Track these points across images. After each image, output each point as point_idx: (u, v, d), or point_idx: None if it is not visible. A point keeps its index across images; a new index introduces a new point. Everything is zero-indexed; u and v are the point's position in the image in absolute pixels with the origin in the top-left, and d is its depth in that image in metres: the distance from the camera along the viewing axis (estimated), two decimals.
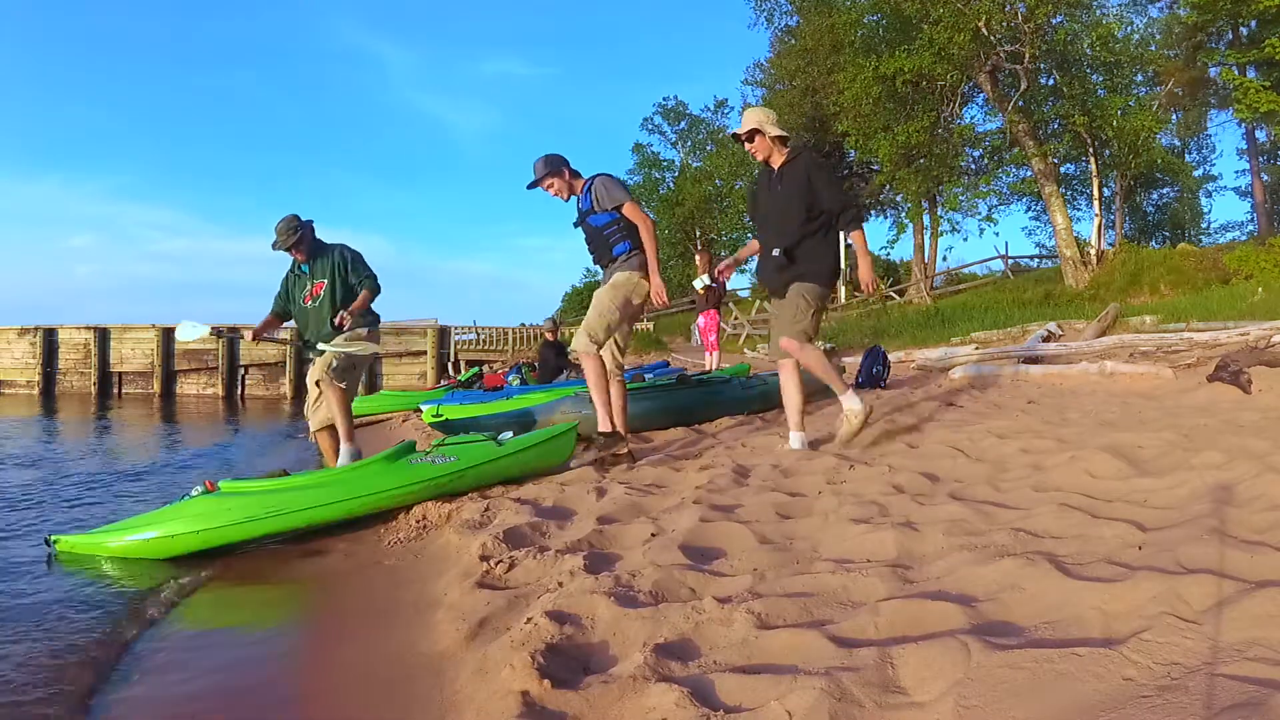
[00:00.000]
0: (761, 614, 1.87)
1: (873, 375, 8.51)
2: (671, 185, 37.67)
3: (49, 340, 20.68)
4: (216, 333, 4.87)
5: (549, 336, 11.04)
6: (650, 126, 39.17)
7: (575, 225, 4.39)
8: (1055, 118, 18.39)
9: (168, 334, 20.09)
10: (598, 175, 4.28)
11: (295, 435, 7.88)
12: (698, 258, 13.01)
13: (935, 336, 14.69)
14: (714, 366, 9.96)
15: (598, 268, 4.44)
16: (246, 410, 17.58)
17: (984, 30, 16.63)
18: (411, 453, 3.80)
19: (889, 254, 31.67)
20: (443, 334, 20.14)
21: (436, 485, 3.65)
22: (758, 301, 26.15)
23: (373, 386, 17.37)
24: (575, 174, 4.33)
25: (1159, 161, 22.90)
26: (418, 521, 3.51)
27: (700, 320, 11.33)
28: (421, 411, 8.80)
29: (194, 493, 3.60)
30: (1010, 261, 26.30)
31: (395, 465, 3.68)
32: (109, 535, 3.53)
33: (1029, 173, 19.31)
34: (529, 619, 1.98)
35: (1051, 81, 18.17)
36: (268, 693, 2.15)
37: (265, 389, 19.94)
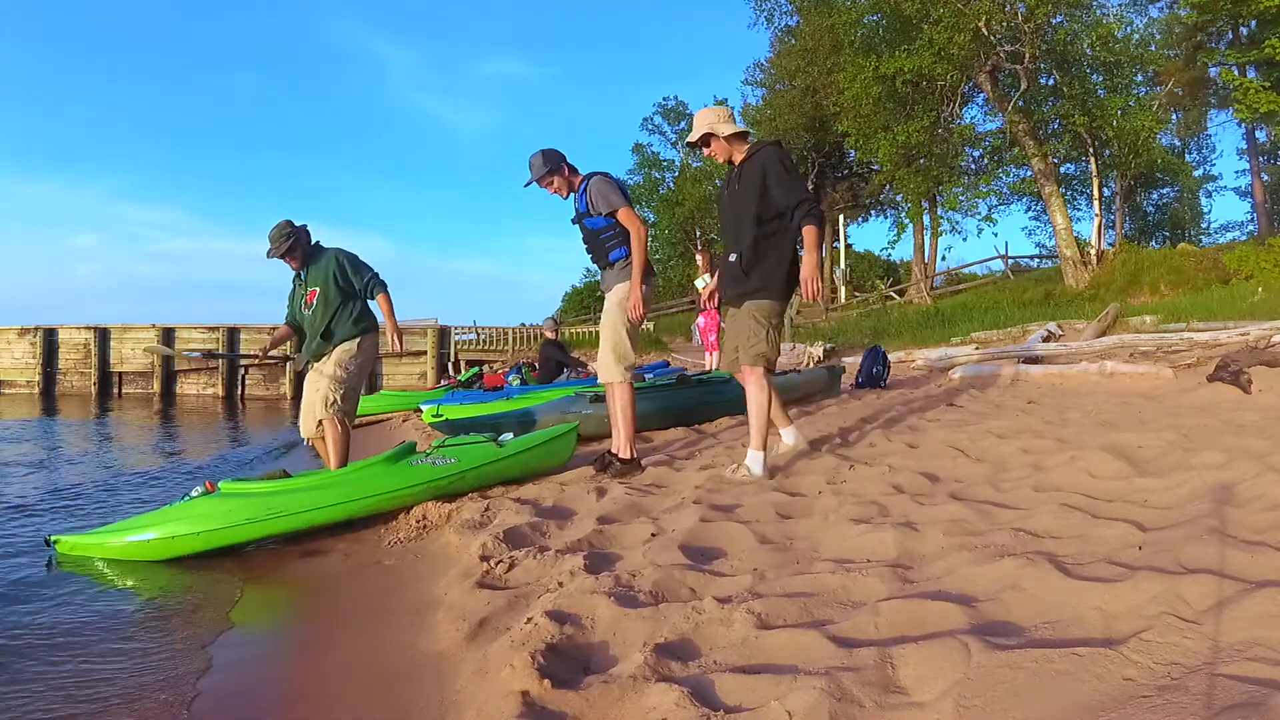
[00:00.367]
0: (761, 614, 1.87)
1: (873, 375, 8.51)
2: (671, 185, 37.67)
3: (49, 340, 20.68)
4: (209, 355, 4.73)
5: (550, 335, 11.04)
6: (650, 126, 39.23)
7: (573, 222, 4.26)
8: (1055, 118, 18.38)
9: (168, 334, 20.09)
10: (594, 175, 4.14)
11: (296, 443, 7.89)
12: (699, 257, 13.00)
13: (935, 336, 14.69)
14: (714, 366, 9.96)
15: (597, 267, 4.36)
16: (246, 410, 17.58)
17: (984, 30, 16.63)
18: (412, 454, 3.80)
19: (889, 254, 31.77)
20: (443, 334, 20.14)
21: (437, 487, 3.65)
22: None
23: (373, 386, 17.36)
24: (573, 170, 4.21)
25: (1159, 161, 22.92)
26: (418, 521, 3.51)
27: (700, 320, 11.32)
28: (421, 411, 8.80)
29: (194, 493, 3.60)
30: (1010, 261, 26.28)
31: (396, 467, 3.68)
32: (109, 536, 3.52)
33: (1029, 173, 19.30)
34: (529, 619, 1.98)
35: (1051, 81, 18.17)
36: (268, 692, 2.15)
37: (265, 389, 19.93)
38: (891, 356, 9.52)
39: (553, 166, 4.13)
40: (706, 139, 3.77)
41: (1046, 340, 10.89)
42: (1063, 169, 22.88)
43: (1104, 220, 20.19)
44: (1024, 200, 27.84)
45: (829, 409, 6.45)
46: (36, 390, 20.14)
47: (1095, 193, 20.17)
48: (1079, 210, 25.50)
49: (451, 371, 18.77)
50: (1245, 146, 28.83)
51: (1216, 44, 22.42)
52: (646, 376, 7.46)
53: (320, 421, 4.27)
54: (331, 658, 2.31)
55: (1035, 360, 8.92)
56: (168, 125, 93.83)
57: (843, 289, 28.14)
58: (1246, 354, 5.75)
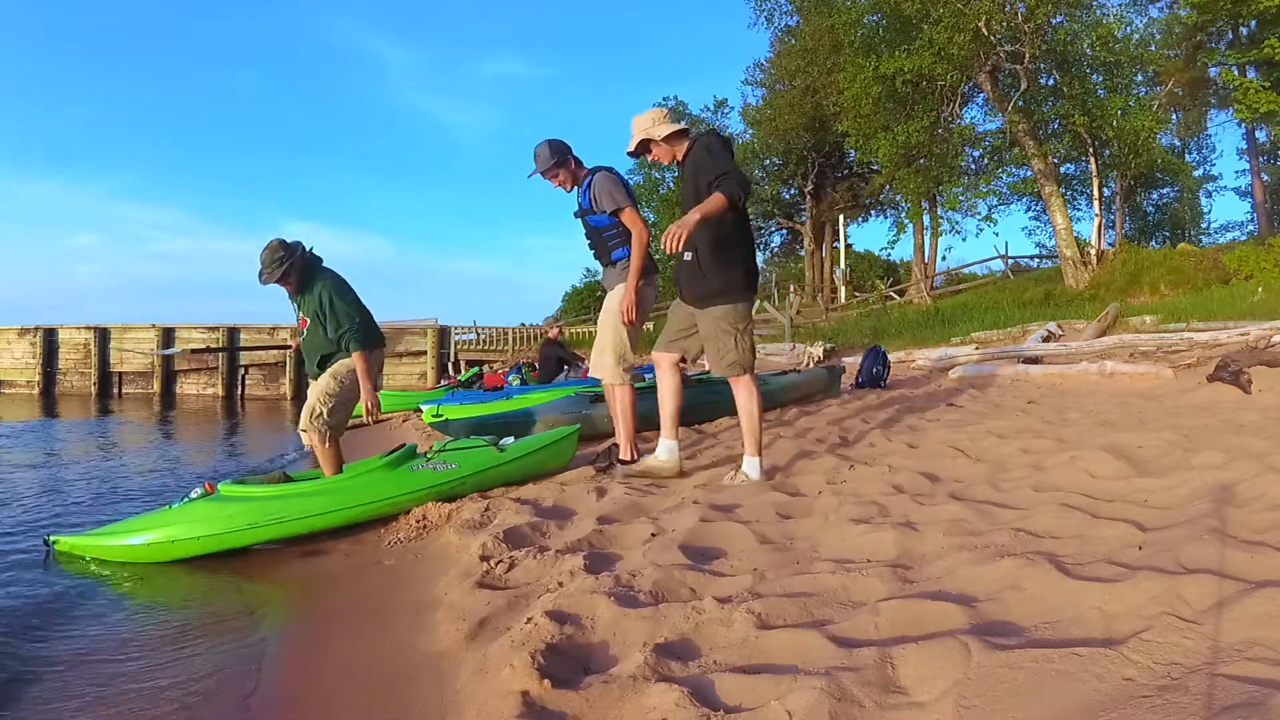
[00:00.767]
0: (761, 614, 1.87)
1: (873, 375, 8.51)
2: (671, 185, 37.65)
3: (49, 340, 20.69)
4: (207, 350, 4.40)
5: (551, 334, 11.03)
6: None
7: (576, 216, 4.18)
8: (1055, 118, 18.39)
9: (168, 334, 20.10)
10: (598, 170, 4.03)
11: (296, 450, 7.89)
12: None
13: (935, 336, 14.69)
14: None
15: (599, 265, 4.33)
16: (246, 411, 17.58)
17: (984, 30, 16.63)
18: (413, 458, 3.80)
19: (889, 254, 31.77)
20: (443, 334, 20.15)
21: (437, 492, 3.66)
22: (757, 302, 26.16)
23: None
24: (579, 163, 4.08)
25: (1159, 161, 22.91)
26: (418, 522, 3.51)
27: None
28: (421, 412, 8.80)
29: (193, 494, 3.60)
30: (1010, 261, 26.29)
31: (396, 472, 3.69)
32: (109, 537, 3.52)
33: (1029, 173, 19.32)
34: (529, 619, 1.98)
35: (1051, 81, 18.18)
36: (268, 692, 2.15)
37: (265, 389, 19.93)
38: (891, 356, 9.52)
39: (559, 159, 4.00)
40: (645, 145, 3.66)
41: (1046, 340, 10.90)
42: (1063, 169, 22.90)
43: (1104, 220, 20.20)
44: (1024, 200, 27.89)
45: (829, 409, 6.45)
46: (36, 390, 20.15)
47: (1095, 193, 20.18)
48: (1079, 210, 25.53)
49: (451, 371, 18.77)
50: (1245, 146, 28.88)
51: (1216, 44, 22.43)
52: (646, 376, 7.45)
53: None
54: (331, 658, 2.31)
55: (1035, 360, 8.93)
56: (168, 125, 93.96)
57: (843, 289, 28.13)
58: (1246, 354, 5.75)
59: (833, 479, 3.49)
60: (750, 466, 3.57)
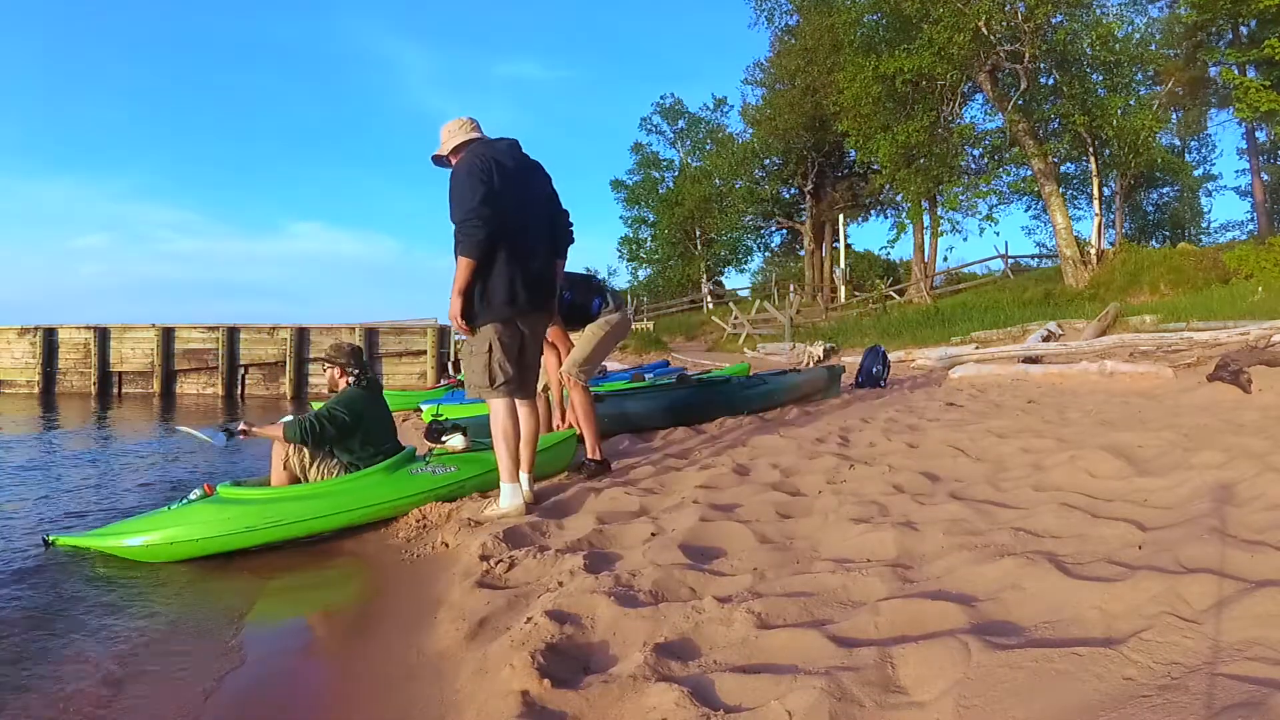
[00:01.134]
0: (761, 614, 1.87)
1: (873, 375, 8.52)
2: (671, 185, 37.68)
3: (49, 340, 20.67)
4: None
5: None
6: (649, 126, 39.20)
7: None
8: (1055, 117, 18.40)
9: (168, 334, 20.10)
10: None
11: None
12: None
13: (935, 336, 14.70)
14: None
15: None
16: (246, 410, 17.57)
17: (984, 30, 16.63)
18: (412, 461, 3.80)
19: (888, 254, 31.76)
20: (442, 333, 20.13)
21: (436, 496, 3.66)
22: (757, 301, 26.17)
23: None
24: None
25: (1159, 161, 22.89)
26: (418, 521, 3.51)
27: None
28: (421, 411, 8.79)
29: (193, 496, 3.59)
30: (1010, 261, 26.29)
31: (395, 475, 3.69)
32: (108, 537, 3.52)
33: (1029, 172, 19.32)
34: (529, 618, 1.98)
35: (1051, 81, 18.18)
36: (267, 692, 2.15)
37: (265, 389, 19.92)
38: (891, 356, 9.52)
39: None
40: (444, 160, 3.51)
41: (1046, 340, 10.90)
42: (1063, 168, 22.90)
43: (1104, 220, 20.20)
44: (1024, 200, 27.90)
45: (829, 409, 6.45)
46: (36, 390, 20.14)
47: (1095, 192, 20.17)
48: (1079, 210, 25.55)
49: (451, 371, 18.75)
50: (1245, 146, 28.85)
51: (1216, 43, 22.41)
52: (647, 376, 7.46)
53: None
54: (330, 656, 2.31)
55: (1036, 360, 8.93)
56: (185, 125, 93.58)
57: (843, 289, 28.13)
58: (1246, 353, 5.75)
59: (833, 479, 3.49)
60: (505, 491, 3.34)
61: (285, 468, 3.80)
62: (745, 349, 19.20)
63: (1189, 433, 3.90)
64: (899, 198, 24.43)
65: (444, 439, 4.05)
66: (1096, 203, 20.02)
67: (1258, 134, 26.05)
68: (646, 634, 1.85)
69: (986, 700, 1.36)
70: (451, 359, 19.96)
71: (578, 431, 4.34)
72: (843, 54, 20.91)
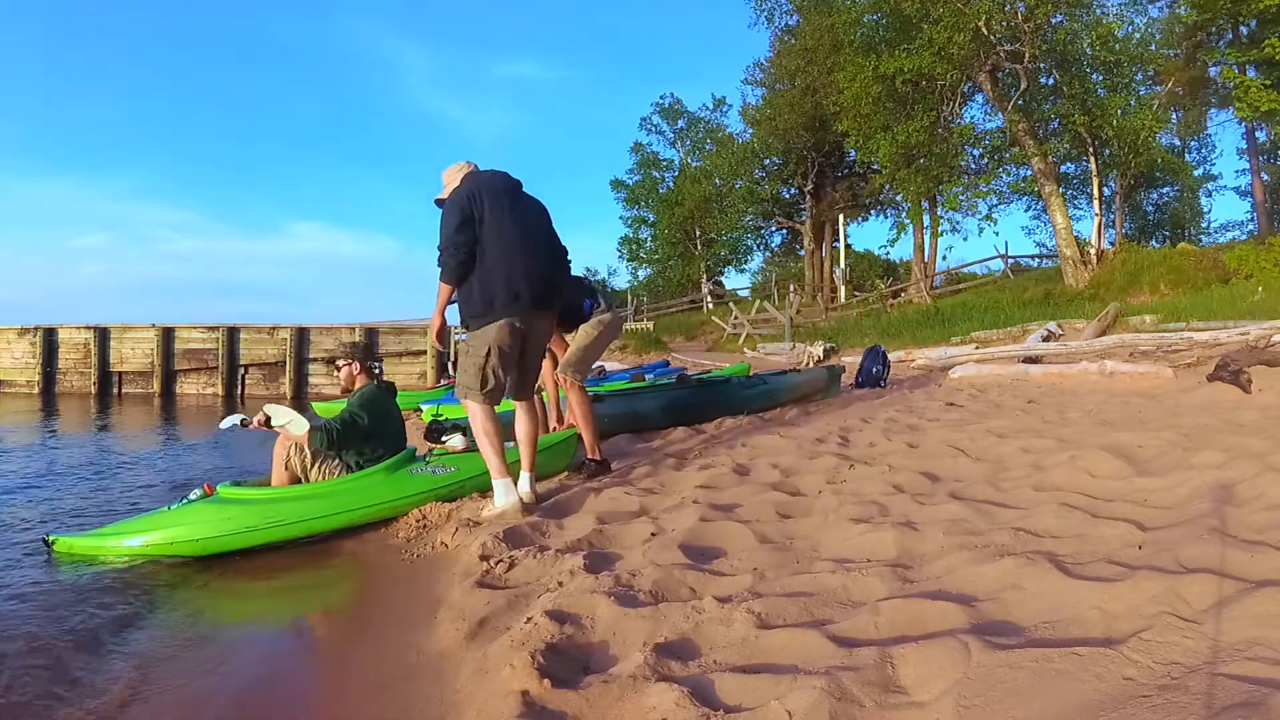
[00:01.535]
0: (761, 614, 1.87)
1: (873, 375, 8.52)
2: (671, 185, 37.65)
3: (49, 340, 20.68)
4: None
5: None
6: (649, 126, 39.18)
7: None
8: (1055, 117, 18.40)
9: (168, 334, 20.10)
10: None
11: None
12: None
13: (935, 336, 14.70)
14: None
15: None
16: (247, 410, 17.59)
17: (984, 30, 16.63)
18: (412, 462, 3.80)
19: (889, 254, 31.76)
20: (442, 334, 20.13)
21: (436, 496, 3.66)
22: (757, 301, 26.17)
23: None
24: None
25: (1159, 161, 22.90)
26: (418, 521, 3.51)
27: None
28: (421, 411, 8.79)
29: (192, 496, 3.59)
30: (1010, 261, 26.29)
31: (395, 476, 3.69)
32: (107, 537, 3.52)
33: (1029, 172, 19.32)
34: (529, 618, 1.98)
35: (1051, 81, 18.18)
36: (267, 692, 2.15)
37: (265, 389, 19.92)
38: (891, 356, 9.52)
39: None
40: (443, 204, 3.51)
41: (1046, 340, 10.90)
42: (1062, 168, 22.90)
43: (1104, 220, 20.20)
44: (1024, 200, 27.89)
45: (829, 409, 6.45)
46: (36, 390, 20.14)
47: (1095, 192, 20.17)
48: (1079, 210, 25.54)
49: (451, 371, 18.77)
50: (1245, 146, 28.84)
51: (1216, 43, 22.41)
52: (647, 376, 7.46)
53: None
54: (330, 656, 2.31)
55: (1036, 360, 8.93)
56: (184, 125, 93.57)
57: (843, 289, 28.13)
58: (1246, 353, 5.75)
59: (833, 479, 3.48)
60: (497, 489, 3.34)
61: (286, 468, 3.81)
62: (745, 349, 19.20)
63: (1189, 433, 3.90)
64: (899, 198, 24.43)
65: (444, 439, 4.06)
66: (1096, 203, 20.02)
67: (1258, 134, 26.05)
68: (646, 634, 1.85)
69: (986, 700, 1.36)
70: (451, 359, 19.95)
71: (578, 431, 4.35)
72: (843, 54, 20.91)
